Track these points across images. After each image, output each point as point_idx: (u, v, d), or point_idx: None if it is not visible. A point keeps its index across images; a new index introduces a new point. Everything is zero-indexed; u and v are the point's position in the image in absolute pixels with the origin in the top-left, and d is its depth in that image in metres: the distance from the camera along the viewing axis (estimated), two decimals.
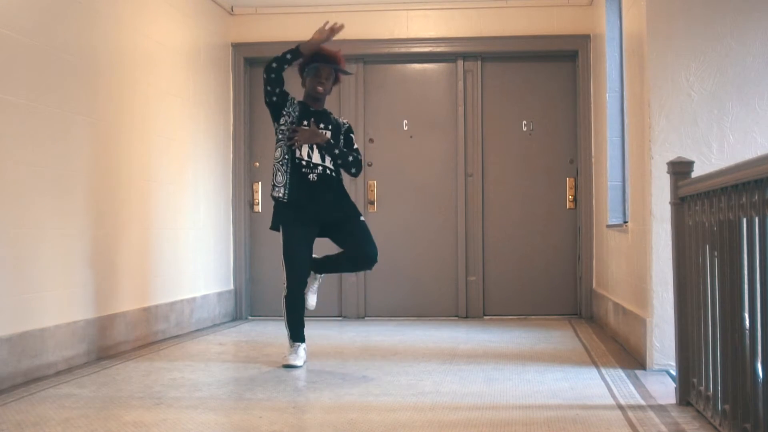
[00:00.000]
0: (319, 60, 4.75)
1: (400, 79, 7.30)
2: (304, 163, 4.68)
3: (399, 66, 7.31)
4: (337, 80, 4.88)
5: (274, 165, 4.74)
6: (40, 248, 4.39)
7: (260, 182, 7.33)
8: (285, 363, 4.63)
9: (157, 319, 5.69)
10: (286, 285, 4.66)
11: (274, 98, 4.71)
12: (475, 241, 7.19)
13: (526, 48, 7.13)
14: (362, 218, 4.83)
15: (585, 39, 7.01)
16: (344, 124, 4.91)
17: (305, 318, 4.79)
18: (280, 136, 4.72)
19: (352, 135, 4.91)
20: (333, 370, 4.57)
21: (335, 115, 4.98)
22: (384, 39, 7.12)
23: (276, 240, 7.34)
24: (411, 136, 7.22)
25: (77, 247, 4.76)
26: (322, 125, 4.76)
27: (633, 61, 4.98)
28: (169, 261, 5.96)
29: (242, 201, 7.27)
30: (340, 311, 7.15)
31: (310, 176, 4.68)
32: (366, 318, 7.13)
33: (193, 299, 6.33)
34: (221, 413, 3.59)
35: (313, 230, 4.74)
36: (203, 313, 6.51)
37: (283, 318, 4.75)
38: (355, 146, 4.89)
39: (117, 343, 5.11)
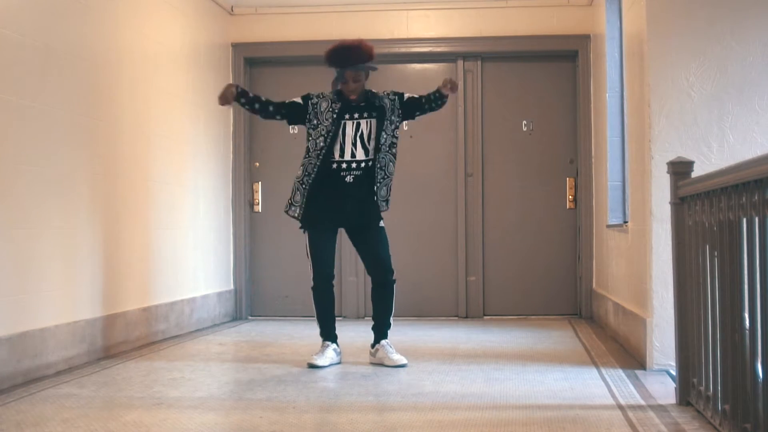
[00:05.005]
0: (340, 63, 4.60)
1: (400, 79, 7.29)
2: (344, 165, 4.62)
3: (399, 66, 7.31)
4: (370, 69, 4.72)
5: (294, 183, 4.70)
6: (40, 248, 4.39)
7: (260, 182, 7.33)
8: (309, 362, 4.63)
9: (157, 319, 5.69)
10: (312, 278, 4.73)
11: (279, 117, 4.74)
12: (475, 241, 7.19)
13: (526, 48, 7.13)
14: (381, 223, 4.76)
15: (585, 39, 7.01)
16: (391, 99, 4.72)
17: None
18: (309, 149, 4.66)
19: (407, 97, 4.76)
20: (333, 370, 4.57)
21: (380, 93, 4.77)
22: (384, 39, 7.11)
23: (277, 240, 7.37)
24: (411, 136, 7.22)
25: (77, 247, 4.76)
26: (366, 114, 4.64)
27: (633, 61, 4.98)
28: (169, 261, 5.96)
29: (242, 201, 7.27)
30: (340, 311, 7.14)
31: (348, 178, 4.63)
32: (366, 318, 7.13)
33: (193, 299, 6.33)
34: (221, 413, 3.59)
35: (335, 231, 4.78)
36: (203, 313, 6.51)
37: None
38: (417, 95, 4.79)
39: (117, 343, 5.11)
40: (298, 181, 4.70)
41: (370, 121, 4.66)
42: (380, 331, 4.81)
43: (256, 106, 4.68)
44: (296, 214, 4.70)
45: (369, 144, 4.65)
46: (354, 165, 4.64)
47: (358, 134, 4.64)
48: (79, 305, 4.76)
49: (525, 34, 7.08)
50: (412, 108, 4.80)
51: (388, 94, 4.78)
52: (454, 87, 4.74)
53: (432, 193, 7.24)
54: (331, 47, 4.65)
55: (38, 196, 4.39)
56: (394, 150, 4.75)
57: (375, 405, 3.68)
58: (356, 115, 4.65)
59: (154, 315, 5.64)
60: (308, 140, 4.70)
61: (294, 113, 4.72)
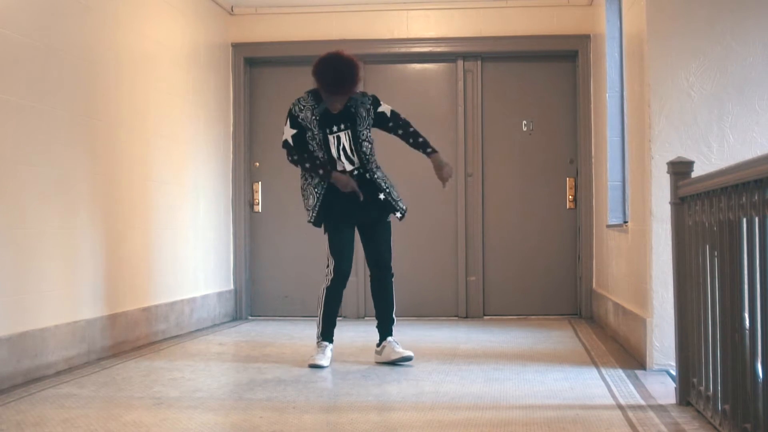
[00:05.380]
0: (332, 92, 4.56)
1: (400, 79, 7.30)
2: (341, 171, 4.64)
3: (399, 66, 7.31)
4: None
5: (305, 189, 4.71)
6: (40, 248, 4.39)
7: (260, 182, 7.33)
8: (311, 363, 4.62)
9: (157, 319, 5.69)
10: (331, 277, 4.70)
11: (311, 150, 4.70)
12: (475, 241, 7.19)
13: (526, 48, 7.13)
14: (389, 219, 4.78)
15: (585, 39, 7.01)
16: (367, 108, 4.68)
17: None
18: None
19: (381, 110, 4.72)
20: (333, 370, 4.57)
21: (360, 96, 4.71)
22: (384, 39, 7.12)
23: (277, 240, 7.37)
24: None
25: (77, 247, 4.76)
26: (342, 126, 4.62)
27: (633, 61, 4.98)
28: (169, 261, 5.96)
29: (242, 201, 7.27)
30: (340, 311, 7.13)
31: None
32: (366, 318, 7.13)
33: (193, 299, 6.33)
34: (221, 413, 3.60)
35: (352, 228, 4.78)
36: (203, 313, 6.51)
37: (317, 311, 4.77)
38: (390, 114, 4.72)
39: (117, 343, 5.11)
40: (311, 186, 4.70)
41: (348, 133, 4.66)
42: (385, 329, 4.82)
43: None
44: (311, 218, 4.72)
45: (353, 155, 4.67)
46: (346, 174, 4.66)
47: (341, 148, 4.65)
48: (79, 305, 4.76)
49: (525, 34, 7.08)
50: (380, 123, 4.76)
51: (365, 102, 4.71)
52: (447, 177, 4.74)
53: (432, 193, 7.24)
54: (323, 75, 4.54)
55: (38, 196, 4.39)
56: (374, 154, 4.76)
57: (375, 405, 3.68)
58: (335, 128, 4.64)
59: (154, 315, 5.64)
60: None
61: (305, 139, 4.68)
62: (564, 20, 7.06)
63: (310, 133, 4.65)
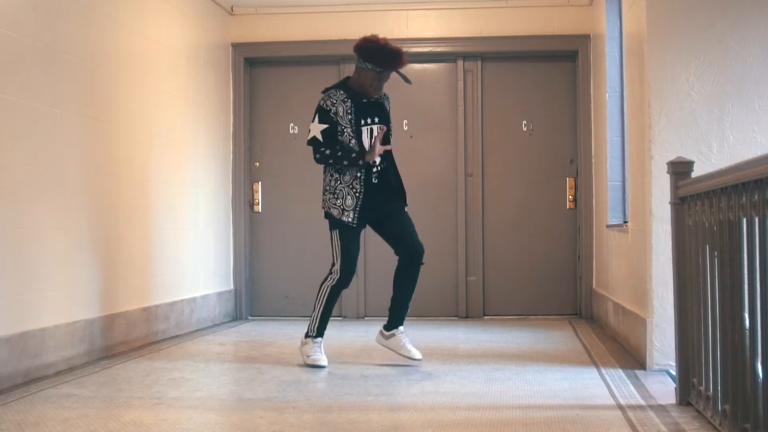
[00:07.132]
0: (387, 65, 4.57)
1: (400, 79, 7.27)
2: (374, 170, 4.65)
3: None
4: None
5: (335, 188, 4.60)
6: (40, 248, 4.39)
7: (260, 182, 7.33)
8: (312, 363, 4.61)
9: (157, 319, 5.69)
10: (337, 277, 4.61)
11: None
12: (475, 241, 7.19)
13: (526, 48, 7.14)
14: (406, 209, 4.82)
15: (585, 39, 7.01)
16: (389, 103, 4.83)
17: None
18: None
19: (389, 108, 4.82)
20: (333, 370, 4.57)
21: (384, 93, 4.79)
22: None
23: (277, 240, 7.37)
24: (411, 136, 7.22)
25: (77, 247, 4.76)
26: (377, 119, 4.67)
27: (633, 61, 4.98)
28: (169, 261, 5.96)
29: (242, 201, 7.27)
30: (340, 311, 7.14)
31: (374, 179, 4.67)
32: (366, 318, 7.13)
33: (193, 299, 6.33)
34: (221, 413, 3.60)
35: (361, 230, 4.74)
36: (203, 313, 6.51)
37: (316, 308, 4.68)
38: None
39: (117, 343, 5.11)
40: (347, 185, 4.59)
41: (381, 126, 4.68)
42: (399, 316, 4.73)
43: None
44: (350, 219, 4.58)
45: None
46: (374, 169, 4.65)
47: (371, 141, 4.63)
48: (79, 305, 4.76)
49: (525, 34, 7.08)
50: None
51: (388, 98, 4.84)
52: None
53: (432, 193, 7.24)
54: (380, 47, 4.57)
55: (38, 196, 4.39)
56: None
57: (375, 405, 3.68)
58: (369, 120, 4.66)
59: (154, 315, 5.64)
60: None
61: (335, 135, 4.60)
62: (564, 20, 7.06)
63: (340, 127, 4.58)
